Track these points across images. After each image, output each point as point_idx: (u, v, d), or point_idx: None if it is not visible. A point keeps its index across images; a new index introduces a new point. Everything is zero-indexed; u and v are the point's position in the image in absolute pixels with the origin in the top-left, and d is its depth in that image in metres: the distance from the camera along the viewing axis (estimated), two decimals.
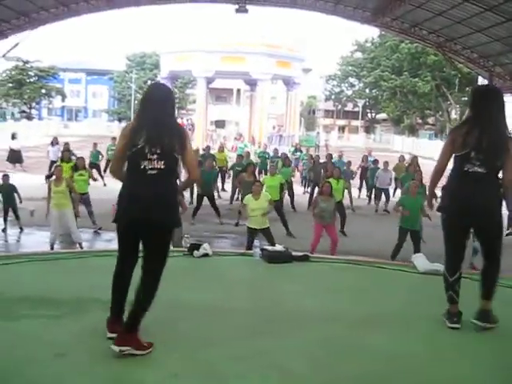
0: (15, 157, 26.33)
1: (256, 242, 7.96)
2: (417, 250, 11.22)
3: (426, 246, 11.08)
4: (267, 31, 39.29)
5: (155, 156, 4.61)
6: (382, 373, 4.44)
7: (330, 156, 19.79)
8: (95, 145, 22.99)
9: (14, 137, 27.14)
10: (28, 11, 21.82)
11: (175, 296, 5.71)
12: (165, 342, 4.80)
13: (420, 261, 7.64)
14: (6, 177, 14.70)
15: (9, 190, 14.34)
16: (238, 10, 23.26)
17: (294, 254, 7.79)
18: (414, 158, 19.94)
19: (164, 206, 4.66)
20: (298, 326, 5.27)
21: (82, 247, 12.00)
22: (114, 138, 25.33)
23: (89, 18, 24.14)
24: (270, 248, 7.87)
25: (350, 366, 4.53)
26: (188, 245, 7.67)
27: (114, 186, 15.45)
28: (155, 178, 4.62)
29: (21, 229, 14.60)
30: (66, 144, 19.04)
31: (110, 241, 14.21)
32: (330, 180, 13.37)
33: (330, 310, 5.80)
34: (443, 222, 5.58)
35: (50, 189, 11.87)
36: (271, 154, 22.94)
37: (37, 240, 13.85)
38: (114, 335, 4.67)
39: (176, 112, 5.08)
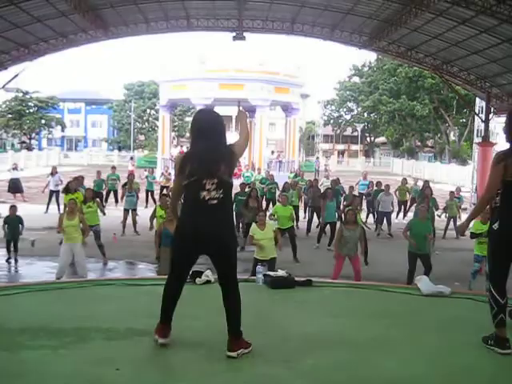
0: (15, 186, 26.36)
1: (259, 268, 7.88)
2: (428, 272, 11.18)
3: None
4: (264, 57, 39.61)
5: (213, 186, 4.74)
6: None
7: (335, 181, 19.79)
8: (99, 173, 22.96)
9: (15, 168, 27.21)
10: (27, 43, 21.98)
11: (180, 324, 5.65)
12: (174, 368, 4.81)
13: (424, 283, 7.58)
14: (13, 208, 14.75)
15: (15, 222, 14.35)
16: (235, 38, 23.42)
17: (296, 279, 7.74)
18: (426, 182, 19.95)
19: (223, 232, 4.87)
20: (307, 352, 5.19)
21: None
22: (113, 167, 25.37)
23: (87, 48, 24.37)
24: (272, 273, 7.82)
25: None
26: (190, 272, 7.61)
27: (114, 214, 15.56)
28: (215, 207, 4.77)
29: (16, 261, 14.55)
30: (80, 177, 18.83)
31: (111, 270, 14.20)
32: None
33: (336, 335, 5.72)
34: (495, 244, 5.35)
35: (61, 222, 11.73)
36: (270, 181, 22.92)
37: (38, 270, 13.88)
38: (166, 340, 5.11)
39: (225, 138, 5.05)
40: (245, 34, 23.29)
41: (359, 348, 5.39)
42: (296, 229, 17.74)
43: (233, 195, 17.34)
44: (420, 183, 22.74)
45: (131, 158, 47.95)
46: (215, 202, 4.73)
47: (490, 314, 5.32)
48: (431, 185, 20.14)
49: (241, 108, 5.74)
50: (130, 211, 18.27)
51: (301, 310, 6.67)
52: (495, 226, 5.27)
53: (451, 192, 20.10)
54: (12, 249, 14.49)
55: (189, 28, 23.45)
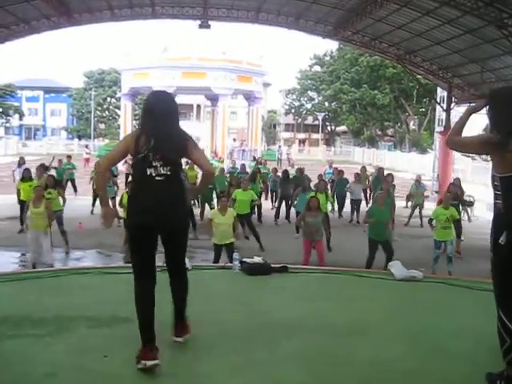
0: None
1: (235, 255, 7.94)
2: (389, 259, 11.39)
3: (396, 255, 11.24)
4: (227, 46, 39.50)
5: (160, 163, 4.71)
6: (377, 379, 4.49)
7: (301, 171, 19.89)
8: (60, 162, 22.70)
9: None
10: None
11: (158, 310, 5.68)
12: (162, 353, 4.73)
13: (397, 268, 7.75)
14: None
15: None
16: (200, 26, 23.27)
17: (273, 265, 7.83)
18: (381, 169, 20.17)
19: (173, 209, 4.77)
20: (288, 336, 5.30)
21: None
22: (69, 157, 25.07)
23: (48, 34, 23.92)
24: (249, 260, 7.89)
25: (344, 374, 4.57)
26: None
27: (75, 203, 15.34)
28: (162, 183, 4.72)
29: None
30: (41, 164, 18.63)
31: (79, 259, 14.08)
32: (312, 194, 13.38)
33: (315, 320, 5.84)
34: (503, 262, 4.20)
35: (27, 210, 11.63)
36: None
37: (4, 260, 13.60)
38: (156, 362, 4.49)
39: (179, 120, 5.06)
40: (210, 22, 23.20)
41: (338, 331, 5.53)
42: (259, 223, 17.85)
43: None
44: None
45: (86, 147, 47.59)
46: (162, 178, 4.72)
47: (500, 348, 4.25)
48: (392, 172, 20.35)
49: None
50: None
51: (279, 296, 6.78)
52: (502, 239, 4.12)
53: (417, 180, 20.37)
54: None
55: (153, 16, 23.22)
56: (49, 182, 14.71)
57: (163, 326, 4.86)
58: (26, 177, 16.20)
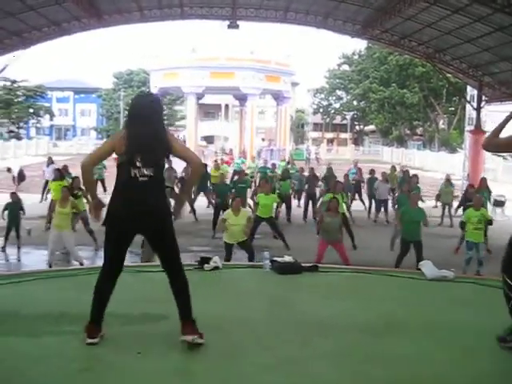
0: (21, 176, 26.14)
1: (266, 254, 7.98)
2: (419, 260, 11.35)
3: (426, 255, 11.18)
4: (255, 46, 39.52)
5: (142, 163, 4.85)
6: (409, 377, 4.50)
7: (331, 169, 19.92)
8: None
9: (9, 170, 26.99)
10: (20, 31, 21.76)
11: (195, 307, 5.76)
12: (189, 354, 4.81)
13: (428, 268, 7.72)
14: (14, 194, 14.75)
15: (16, 208, 14.35)
16: (229, 26, 23.37)
17: (303, 264, 7.85)
18: (406, 171, 20.13)
19: (155, 211, 4.93)
20: (319, 335, 5.32)
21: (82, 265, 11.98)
22: None
23: (78, 36, 24.16)
24: (279, 259, 7.92)
25: (377, 371, 4.58)
26: (198, 258, 7.72)
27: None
28: (145, 184, 4.87)
29: (19, 248, 14.56)
30: (65, 166, 19.06)
31: None
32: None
33: (347, 318, 5.86)
34: None
35: (53, 208, 11.82)
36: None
37: (36, 259, 13.81)
38: (95, 340, 4.95)
39: (163, 121, 5.20)
40: (238, 22, 23.26)
41: (370, 329, 5.53)
42: (288, 222, 17.95)
43: (229, 184, 17.27)
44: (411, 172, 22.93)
45: None
46: (146, 179, 4.86)
47: (507, 307, 5.00)
48: (421, 173, 20.27)
49: None
50: None
51: (309, 295, 6.80)
52: None
53: (447, 180, 20.24)
54: (15, 235, 14.48)
55: (182, 16, 23.34)
56: (76, 182, 14.91)
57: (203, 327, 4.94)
58: (57, 177, 16.44)
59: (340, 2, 21.22)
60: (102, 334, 5.04)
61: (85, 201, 15.24)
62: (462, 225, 12.23)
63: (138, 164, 4.83)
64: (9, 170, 26.29)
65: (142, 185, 4.86)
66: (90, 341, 4.94)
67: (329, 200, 12.30)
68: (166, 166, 4.94)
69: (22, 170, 25.79)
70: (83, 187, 16.44)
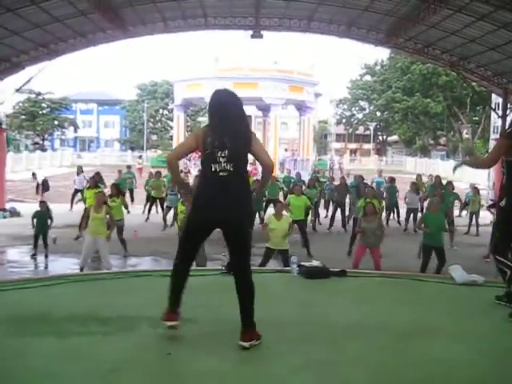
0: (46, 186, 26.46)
1: (294, 259, 7.95)
2: (441, 266, 11.32)
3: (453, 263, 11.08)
4: (278, 55, 39.55)
5: (224, 159, 4.90)
6: (441, 380, 4.44)
7: (361, 177, 19.90)
8: (120, 172, 23.21)
9: (34, 176, 27.39)
10: (46, 42, 22.05)
11: (220, 312, 5.75)
12: (220, 355, 4.80)
13: (458, 272, 7.64)
14: (43, 203, 14.94)
15: (44, 217, 14.54)
16: (253, 36, 23.45)
17: (331, 269, 7.81)
18: (438, 178, 19.99)
19: (236, 205, 4.96)
20: (350, 337, 5.28)
21: None
22: (129, 167, 25.59)
23: (101, 48, 24.41)
24: (307, 264, 7.89)
25: (408, 374, 4.52)
26: (225, 263, 7.69)
27: (137, 212, 15.68)
28: (226, 179, 4.91)
29: (46, 256, 14.70)
30: (98, 173, 19.28)
31: (135, 266, 14.30)
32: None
33: (376, 322, 5.80)
34: (502, 219, 6.20)
35: (87, 214, 11.90)
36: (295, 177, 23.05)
37: (63, 266, 13.97)
38: (174, 323, 5.15)
39: (245, 117, 5.27)
40: (262, 32, 23.32)
41: (400, 333, 5.47)
42: (318, 224, 17.91)
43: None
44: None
45: (139, 157, 48.64)
46: (226, 174, 4.90)
47: (504, 280, 6.11)
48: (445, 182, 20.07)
49: None
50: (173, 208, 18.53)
51: (338, 299, 6.75)
52: (502, 203, 6.03)
53: (474, 188, 20.15)
54: (42, 244, 14.66)
55: (206, 26, 23.46)
56: (112, 189, 15.06)
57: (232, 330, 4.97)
58: (92, 185, 16.62)
59: (363, 11, 21.19)
60: (180, 317, 5.23)
61: (124, 210, 15.43)
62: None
63: (219, 159, 4.91)
64: (34, 174, 26.64)
65: (223, 180, 4.91)
66: (170, 323, 5.13)
67: (364, 205, 12.29)
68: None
69: (47, 180, 26.08)
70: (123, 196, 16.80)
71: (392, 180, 21.03)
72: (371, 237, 11.57)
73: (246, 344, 4.87)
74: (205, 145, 4.96)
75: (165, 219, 18.74)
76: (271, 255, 11.30)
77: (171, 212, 17.37)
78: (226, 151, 4.90)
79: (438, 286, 7.54)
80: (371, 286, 7.56)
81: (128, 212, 16.71)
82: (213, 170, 4.92)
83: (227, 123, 4.98)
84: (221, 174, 4.91)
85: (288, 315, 5.88)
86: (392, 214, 20.91)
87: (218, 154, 4.90)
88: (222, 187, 4.91)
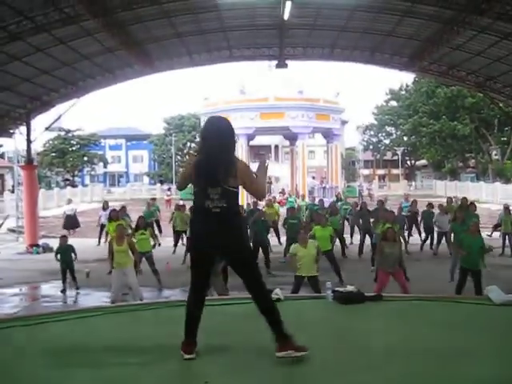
0: (71, 222, 26.91)
1: (328, 284, 7.90)
2: (478, 290, 11.10)
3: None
4: (303, 84, 39.67)
5: (217, 196, 5.00)
6: None
7: (381, 202, 19.82)
8: (149, 204, 23.39)
9: (69, 202, 27.97)
10: (75, 80, 22.53)
11: (253, 338, 5.74)
12: (265, 378, 4.84)
13: (495, 293, 7.52)
14: (64, 238, 15.11)
15: (67, 251, 14.66)
16: (277, 66, 23.67)
17: (366, 294, 7.74)
18: (464, 200, 19.80)
19: (232, 232, 5.11)
20: (388, 361, 5.19)
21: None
22: (153, 199, 25.82)
23: (131, 83, 24.87)
24: (342, 289, 7.83)
25: None
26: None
27: (168, 244, 15.71)
28: (219, 215, 5.02)
29: (77, 289, 14.80)
30: (124, 207, 19.54)
31: (167, 298, 14.30)
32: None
33: (415, 344, 5.71)
34: None
35: (111, 248, 12.00)
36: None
37: (95, 300, 14.02)
38: (191, 356, 5.20)
39: (234, 146, 5.33)
40: (286, 61, 23.50)
41: (442, 356, 5.35)
42: (344, 257, 17.81)
43: (282, 220, 17.32)
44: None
45: (168, 189, 49.14)
46: (218, 210, 4.99)
47: None
48: (477, 205, 19.81)
49: (264, 156, 5.99)
50: None
51: (376, 323, 6.67)
52: None
53: (506, 208, 19.89)
54: (69, 279, 14.76)
55: (231, 58, 23.77)
56: (140, 222, 15.19)
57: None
58: (113, 217, 16.80)
59: (387, 36, 21.28)
60: (196, 350, 5.28)
61: (151, 242, 15.54)
62: None
63: (211, 196, 5.00)
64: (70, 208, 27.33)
65: (216, 215, 5.02)
66: (187, 356, 5.19)
67: (385, 230, 12.20)
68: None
69: (72, 215, 26.62)
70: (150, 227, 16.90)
71: (429, 205, 20.89)
72: (394, 262, 11.41)
73: (280, 354, 4.98)
74: (198, 179, 5.08)
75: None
76: (301, 283, 11.27)
77: None
78: (219, 189, 4.98)
79: (475, 308, 7.42)
80: (407, 309, 7.45)
81: (159, 244, 16.80)
82: (206, 206, 5.03)
83: (218, 153, 5.03)
84: (214, 210, 5.01)
85: (325, 340, 5.83)
86: (429, 239, 20.62)
87: (210, 191, 5.00)
88: (215, 222, 5.02)
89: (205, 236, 5.09)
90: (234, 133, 5.38)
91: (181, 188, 5.54)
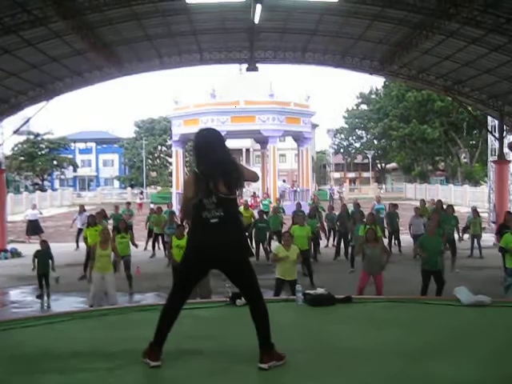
0: (32, 227, 26.58)
1: (298, 287, 7.91)
2: (439, 290, 11.24)
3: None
4: (273, 87, 39.78)
5: (213, 206, 4.99)
6: None
7: (358, 204, 19.97)
8: (117, 208, 23.18)
9: (34, 207, 27.65)
10: (44, 82, 22.21)
11: (227, 343, 5.71)
12: None
13: (463, 293, 7.59)
14: (44, 243, 14.91)
15: (46, 257, 14.48)
16: (248, 69, 23.63)
17: (336, 296, 7.76)
18: (439, 202, 19.97)
19: (232, 244, 5.09)
20: (360, 363, 5.22)
21: None
22: (128, 203, 25.61)
23: (97, 87, 24.63)
24: (312, 292, 7.85)
25: None
26: (230, 294, 7.64)
27: (137, 249, 15.51)
28: (217, 225, 4.99)
29: (48, 295, 14.61)
30: (102, 210, 19.32)
31: (139, 302, 14.20)
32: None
33: (385, 346, 5.75)
34: None
35: (93, 252, 11.89)
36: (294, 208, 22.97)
37: (65, 305, 13.85)
38: (157, 363, 5.11)
39: (228, 153, 5.26)
40: (257, 64, 23.47)
41: (411, 357, 5.40)
42: (315, 260, 17.79)
43: (252, 223, 17.23)
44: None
45: (141, 193, 49.01)
46: (216, 220, 4.98)
47: None
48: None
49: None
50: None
51: (345, 325, 6.69)
52: None
53: (474, 211, 20.09)
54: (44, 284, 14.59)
55: (202, 61, 23.61)
56: (121, 225, 15.17)
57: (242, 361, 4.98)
58: (91, 223, 16.62)
59: (357, 40, 21.37)
60: (161, 357, 5.18)
61: (131, 245, 15.43)
62: (501, 250, 11.77)
63: (208, 206, 4.99)
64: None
65: (214, 226, 4.99)
66: (154, 364, 5.10)
67: (365, 231, 12.28)
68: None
69: (33, 220, 26.38)
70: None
71: (394, 206, 20.99)
72: (375, 264, 11.51)
73: (265, 366, 4.95)
74: (196, 193, 5.04)
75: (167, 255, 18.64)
76: (282, 286, 11.24)
77: None
78: (213, 197, 4.97)
79: (443, 308, 7.49)
80: (378, 310, 7.49)
81: (136, 246, 16.68)
82: (203, 217, 5.00)
83: (214, 166, 5.02)
84: (212, 221, 4.99)
85: (296, 342, 5.82)
86: (394, 240, 20.76)
87: (206, 201, 4.98)
88: (214, 235, 4.98)
89: (203, 250, 5.05)
90: (224, 140, 5.32)
91: (188, 215, 5.32)
